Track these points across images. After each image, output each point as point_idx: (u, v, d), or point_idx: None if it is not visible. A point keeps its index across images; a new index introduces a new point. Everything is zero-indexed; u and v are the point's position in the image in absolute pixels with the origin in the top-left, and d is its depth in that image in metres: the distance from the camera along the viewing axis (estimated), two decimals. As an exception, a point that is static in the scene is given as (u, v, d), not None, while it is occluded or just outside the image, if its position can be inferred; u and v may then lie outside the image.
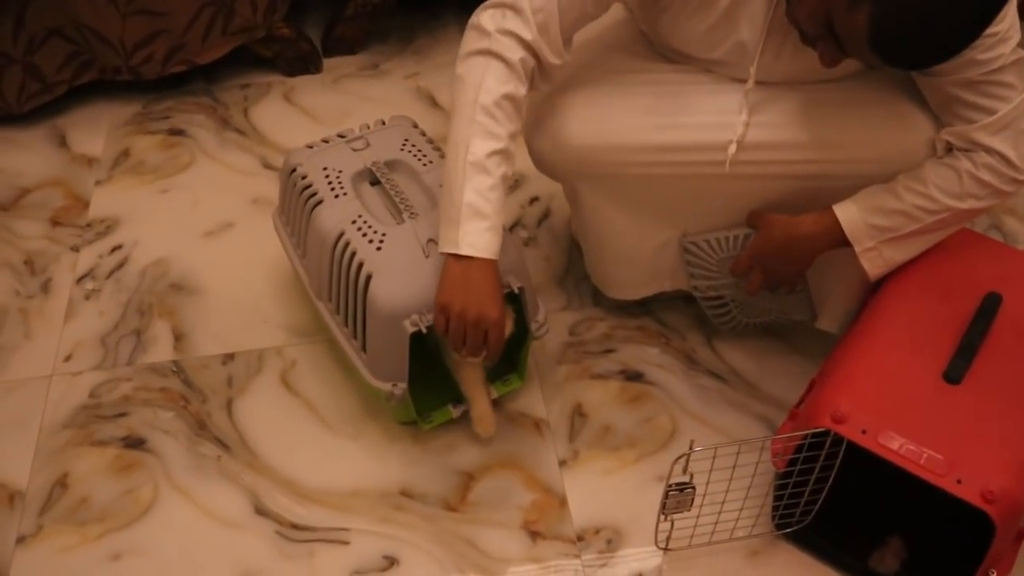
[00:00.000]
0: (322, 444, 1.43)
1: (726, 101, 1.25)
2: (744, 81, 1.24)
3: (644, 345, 1.54)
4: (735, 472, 1.16)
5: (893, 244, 1.25)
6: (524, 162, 1.82)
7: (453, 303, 1.18)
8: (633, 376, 1.50)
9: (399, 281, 1.27)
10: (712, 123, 1.25)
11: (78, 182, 1.85)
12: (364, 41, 2.11)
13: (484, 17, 1.18)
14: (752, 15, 1.18)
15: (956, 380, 1.15)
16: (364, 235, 1.31)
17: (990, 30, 1.09)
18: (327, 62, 2.08)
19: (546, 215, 1.76)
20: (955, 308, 1.24)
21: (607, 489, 1.37)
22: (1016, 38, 1.13)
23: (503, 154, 1.17)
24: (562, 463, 1.40)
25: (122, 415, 1.47)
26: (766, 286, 1.36)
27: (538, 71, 1.20)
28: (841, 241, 1.26)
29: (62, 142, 1.93)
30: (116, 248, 1.72)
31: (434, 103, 1.98)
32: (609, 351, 1.54)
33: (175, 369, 1.53)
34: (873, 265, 1.27)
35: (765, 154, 1.25)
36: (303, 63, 2.05)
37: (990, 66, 1.13)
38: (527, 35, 1.16)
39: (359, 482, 1.38)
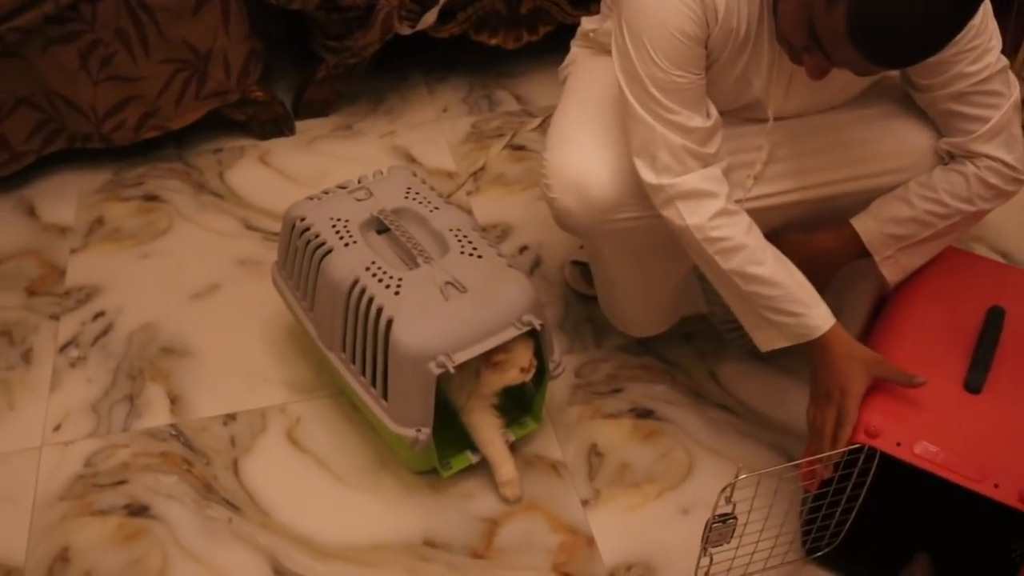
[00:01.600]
0: (337, 499, 1.39)
1: (744, 141, 1.29)
2: (757, 121, 1.29)
3: (650, 383, 1.55)
4: (759, 501, 1.15)
5: (909, 251, 1.30)
6: (510, 212, 1.86)
7: (821, 391, 1.21)
8: (643, 413, 1.50)
9: (421, 323, 1.25)
10: (732, 163, 1.29)
11: (52, 251, 1.79)
12: (335, 103, 2.11)
13: (645, 174, 1.22)
14: (759, 68, 1.23)
15: (977, 390, 1.18)
16: (380, 280, 1.30)
17: (974, 42, 1.15)
18: (299, 124, 2.08)
19: (537, 263, 1.76)
20: (962, 322, 1.28)
21: (633, 526, 1.36)
22: (998, 47, 1.19)
23: (742, 249, 1.21)
24: (585, 503, 1.38)
25: (121, 483, 1.41)
26: None
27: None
28: (860, 253, 1.30)
29: (30, 212, 1.88)
30: (99, 315, 1.67)
31: (412, 159, 1.99)
32: (617, 391, 1.54)
33: (174, 432, 1.48)
34: (892, 272, 1.32)
35: (783, 184, 1.30)
36: (276, 126, 2.05)
37: (978, 76, 1.19)
38: (689, 159, 1.20)
39: (380, 535, 1.34)
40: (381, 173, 1.50)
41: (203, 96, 1.94)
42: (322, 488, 1.40)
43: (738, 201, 1.28)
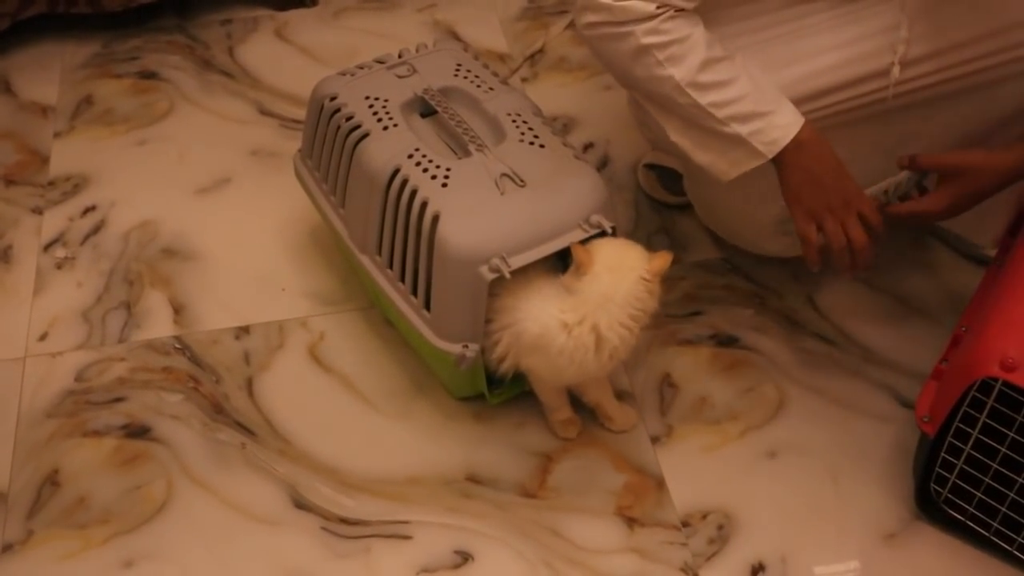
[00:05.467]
0: (366, 426, 1.46)
1: (876, 23, 1.31)
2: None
3: (735, 306, 1.60)
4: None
5: None
6: (573, 103, 1.89)
7: (813, 202, 1.26)
8: (726, 341, 1.55)
9: (472, 220, 1.30)
10: (865, 52, 1.31)
11: (32, 134, 1.86)
12: (365, -31, 2.15)
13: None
14: None
15: None
16: (425, 170, 1.34)
17: None
18: (323, -7, 2.12)
19: (604, 163, 1.80)
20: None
21: (710, 468, 1.41)
22: None
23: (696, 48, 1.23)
24: (655, 440, 1.44)
25: (119, 400, 1.49)
26: (946, 217, 1.38)
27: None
28: None
29: (6, 88, 1.95)
30: (89, 209, 1.74)
31: (457, 38, 2.03)
32: (696, 313, 1.59)
33: (178, 346, 1.55)
34: None
35: (933, 63, 1.32)
36: (296, -6, 2.09)
37: None
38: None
39: (415, 468, 1.41)
40: (426, 47, 1.54)
41: (210, -45, 1.98)
42: (349, 413, 1.47)
43: (883, 89, 1.31)
